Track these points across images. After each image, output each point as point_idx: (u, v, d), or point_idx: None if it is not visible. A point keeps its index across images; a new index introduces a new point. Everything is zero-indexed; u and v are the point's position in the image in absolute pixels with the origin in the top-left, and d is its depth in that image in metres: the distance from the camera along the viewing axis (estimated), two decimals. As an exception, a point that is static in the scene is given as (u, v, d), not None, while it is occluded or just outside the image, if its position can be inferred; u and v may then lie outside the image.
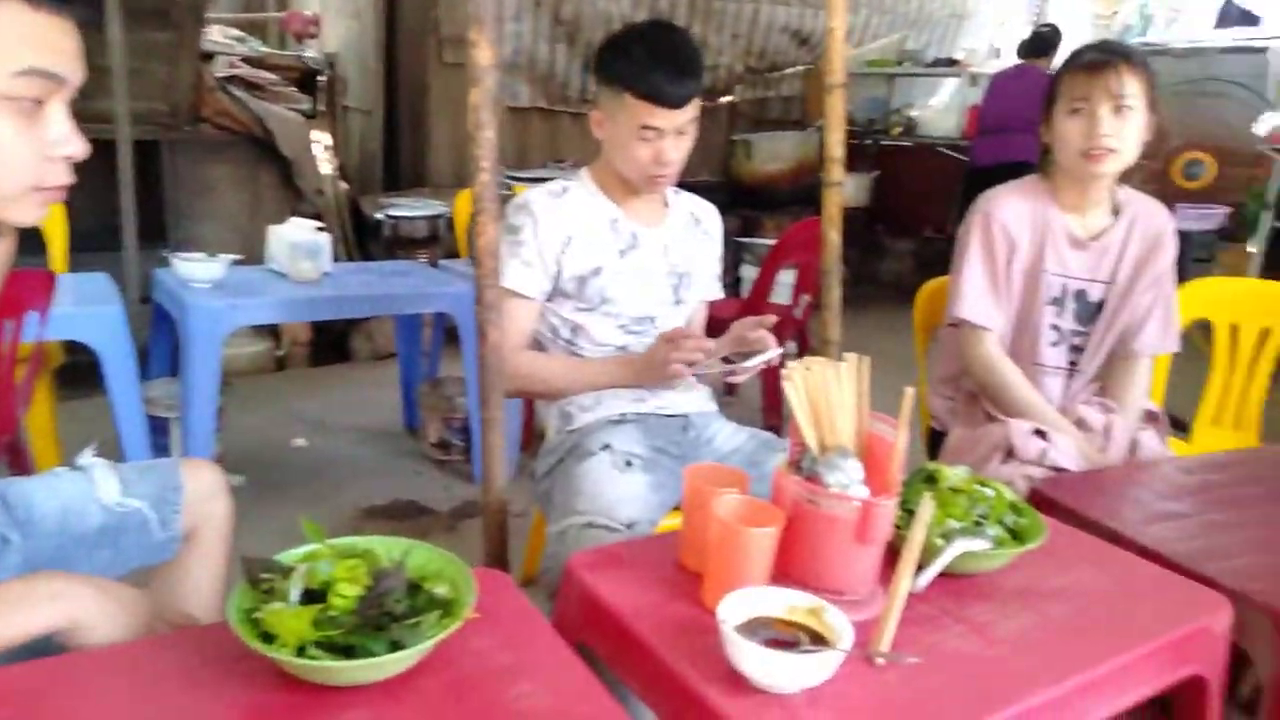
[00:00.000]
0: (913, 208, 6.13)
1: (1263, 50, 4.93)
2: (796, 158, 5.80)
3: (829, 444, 1.07)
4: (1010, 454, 1.62)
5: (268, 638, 0.81)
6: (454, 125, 5.02)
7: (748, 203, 5.65)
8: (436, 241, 4.05)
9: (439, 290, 2.68)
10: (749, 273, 4.82)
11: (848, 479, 1.03)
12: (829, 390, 1.07)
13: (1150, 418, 1.82)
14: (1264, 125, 4.55)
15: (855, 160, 5.25)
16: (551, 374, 1.68)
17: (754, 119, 6.33)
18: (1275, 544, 1.29)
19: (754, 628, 0.91)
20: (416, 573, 0.92)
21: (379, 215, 4.19)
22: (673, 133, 1.57)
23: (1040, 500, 1.39)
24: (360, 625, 0.82)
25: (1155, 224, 1.79)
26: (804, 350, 3.39)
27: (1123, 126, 1.64)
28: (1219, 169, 4.86)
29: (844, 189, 1.94)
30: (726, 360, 1.63)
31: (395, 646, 0.82)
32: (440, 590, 0.90)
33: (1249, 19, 5.56)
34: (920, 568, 1.05)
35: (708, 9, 5.89)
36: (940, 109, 6.34)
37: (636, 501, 1.42)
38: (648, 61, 1.53)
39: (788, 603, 0.95)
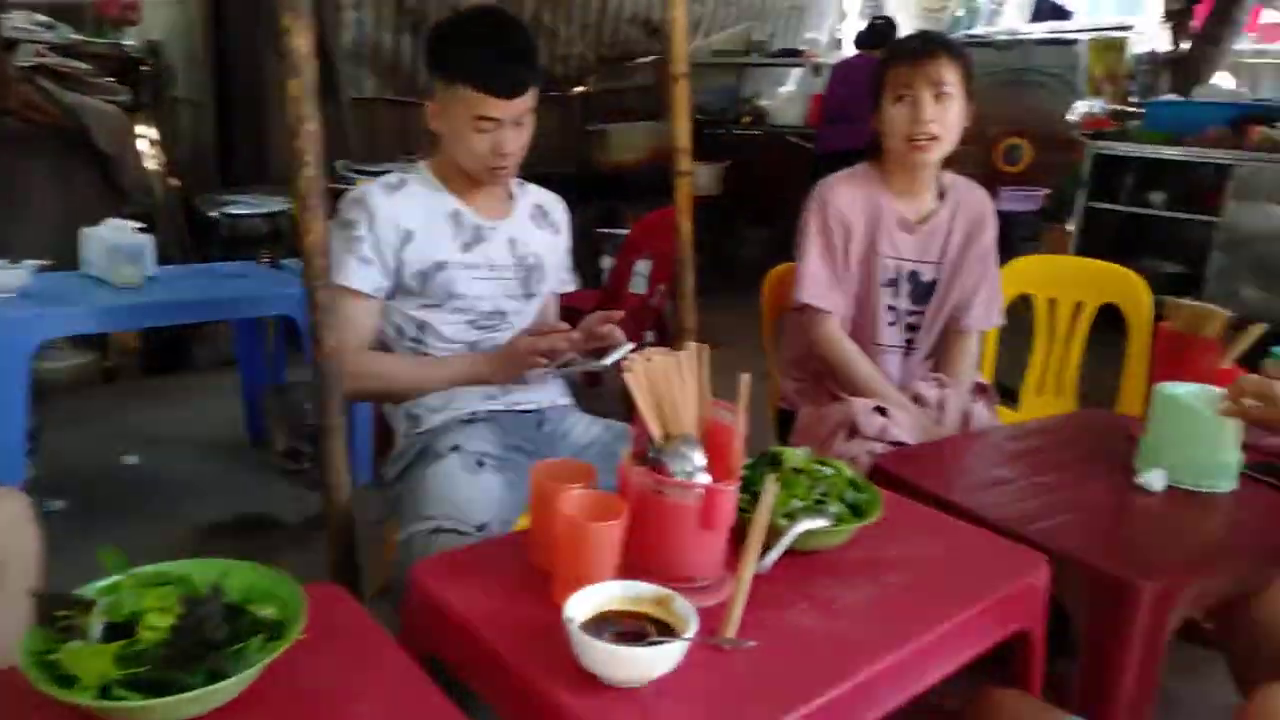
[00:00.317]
0: (765, 195, 6.28)
1: (1073, 43, 5.32)
2: (653, 147, 5.85)
3: (673, 433, 1.07)
4: (854, 431, 1.68)
5: (67, 680, 0.74)
6: (294, 117, 4.77)
7: (607, 193, 5.65)
8: (278, 240, 3.85)
9: (279, 291, 2.54)
10: (609, 263, 4.82)
11: (691, 467, 1.03)
12: (670, 380, 1.07)
13: (980, 389, 1.93)
14: (1076, 112, 4.92)
15: (708, 149, 5.35)
16: (397, 374, 1.62)
17: (610, 109, 6.33)
18: (1087, 502, 1.39)
19: (601, 623, 0.91)
20: (241, 595, 0.86)
21: (214, 213, 3.94)
22: (510, 123, 1.53)
23: (881, 474, 1.45)
24: (173, 657, 0.76)
25: (977, 206, 1.89)
26: (663, 339, 3.42)
27: (944, 113, 1.73)
28: (1036, 153, 5.21)
29: (697, 178, 1.96)
30: (586, 356, 1.62)
31: (216, 677, 0.76)
32: (266, 612, 0.84)
33: (1060, 13, 5.99)
34: (766, 549, 1.07)
35: (556, -3, 5.84)
36: (787, 98, 6.54)
37: (489, 503, 1.39)
38: (480, 51, 1.49)
39: (635, 595, 0.94)
